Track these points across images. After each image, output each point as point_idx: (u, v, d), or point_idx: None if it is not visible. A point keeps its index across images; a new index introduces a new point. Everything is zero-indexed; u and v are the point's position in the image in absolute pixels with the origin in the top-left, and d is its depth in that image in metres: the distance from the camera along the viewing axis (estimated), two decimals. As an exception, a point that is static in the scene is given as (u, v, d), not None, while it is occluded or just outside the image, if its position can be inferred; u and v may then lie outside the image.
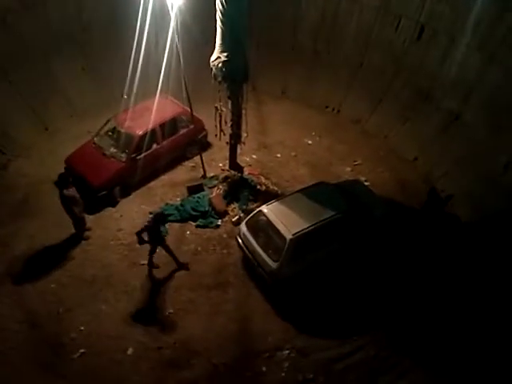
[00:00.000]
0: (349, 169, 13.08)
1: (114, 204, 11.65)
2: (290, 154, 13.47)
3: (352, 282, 10.10)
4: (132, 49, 12.35)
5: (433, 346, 8.84)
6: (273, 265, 9.23)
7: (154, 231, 9.56)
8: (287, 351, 9.00)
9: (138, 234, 9.50)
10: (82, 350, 8.85)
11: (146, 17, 11.05)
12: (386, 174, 12.96)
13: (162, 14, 10.64)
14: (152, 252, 10.01)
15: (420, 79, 13.22)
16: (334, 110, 15.21)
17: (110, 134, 12.19)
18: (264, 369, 8.77)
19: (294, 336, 9.25)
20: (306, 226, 9.21)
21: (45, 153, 13.01)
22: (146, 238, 9.62)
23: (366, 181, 12.48)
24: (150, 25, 11.37)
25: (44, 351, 8.84)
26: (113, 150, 11.80)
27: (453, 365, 8.51)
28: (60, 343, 8.96)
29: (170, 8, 9.75)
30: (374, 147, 13.81)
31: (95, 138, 12.14)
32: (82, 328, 9.19)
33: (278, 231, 9.27)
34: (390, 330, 9.33)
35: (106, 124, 12.25)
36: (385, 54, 13.86)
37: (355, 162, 13.30)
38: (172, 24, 10.01)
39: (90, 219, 11.05)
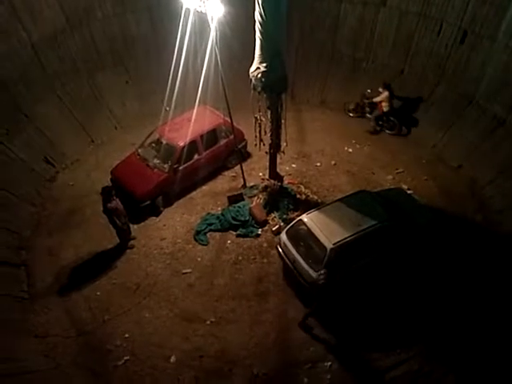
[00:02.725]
0: (390, 177, 12.85)
1: (157, 214, 11.90)
2: (329, 163, 13.38)
3: (394, 292, 9.88)
4: (172, 61, 12.62)
5: (479, 362, 8.52)
6: (313, 274, 9.15)
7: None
8: (329, 363, 8.88)
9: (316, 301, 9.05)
10: (126, 357, 9.04)
11: (185, 30, 11.28)
12: (430, 181, 12.65)
13: (201, 27, 10.83)
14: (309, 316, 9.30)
15: (464, 84, 12.93)
16: (374, 117, 15.06)
17: (153, 145, 12.51)
18: (306, 380, 8.68)
19: (335, 347, 9.13)
20: (346, 236, 9.10)
21: (91, 165, 13.50)
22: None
23: (408, 189, 12.22)
24: (189, 37, 11.59)
25: (90, 357, 9.09)
26: (156, 160, 12.08)
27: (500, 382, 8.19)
28: (105, 350, 9.19)
29: (209, 20, 9.95)
30: (417, 154, 13.53)
31: (139, 150, 12.48)
32: (127, 335, 9.40)
33: (318, 240, 9.20)
34: (434, 343, 9.04)
35: (149, 136, 12.59)
36: (426, 60, 13.64)
37: (397, 169, 13.06)
38: (211, 36, 10.20)
39: (134, 229, 11.34)
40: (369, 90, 14.37)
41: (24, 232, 11.31)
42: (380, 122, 14.29)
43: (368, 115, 14.57)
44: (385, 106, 13.81)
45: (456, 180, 12.60)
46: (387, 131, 14.29)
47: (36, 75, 12.73)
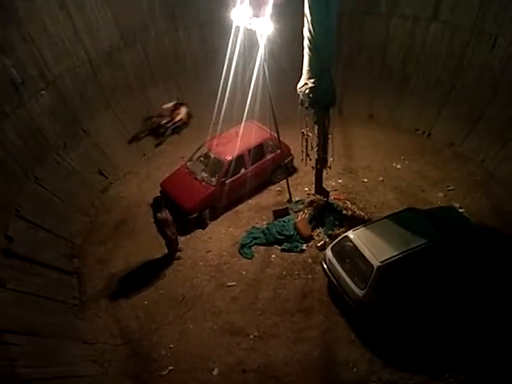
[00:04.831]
0: (441, 194, 12.49)
1: (203, 226, 12.10)
2: (377, 179, 13.19)
3: (444, 313, 9.52)
4: (221, 77, 12.90)
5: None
6: (359, 292, 8.98)
7: None
8: (373, 384, 8.67)
9: None
10: (170, 367, 9.15)
11: (235, 46, 11.55)
12: (483, 200, 12.19)
13: (250, 44, 11.06)
14: None
15: (520, 99, 12.43)
16: (424, 133, 14.73)
17: (202, 159, 12.76)
18: (349, 400, 8.51)
19: (380, 368, 8.87)
20: (394, 254, 8.88)
21: (142, 177, 13.95)
22: None
23: (460, 207, 11.83)
24: (238, 54, 11.85)
25: (136, 365, 9.28)
26: (204, 174, 12.32)
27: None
28: (151, 359, 9.36)
29: (258, 37, 10.13)
30: (469, 171, 13.11)
31: (188, 163, 12.78)
32: (172, 345, 9.54)
33: (364, 258, 9.03)
34: (487, 370, 8.59)
35: (198, 150, 12.88)
36: (480, 75, 13.23)
37: (448, 187, 12.67)
38: (260, 52, 10.37)
39: (181, 240, 11.56)
40: (166, 106, 14.97)
41: (77, 241, 11.78)
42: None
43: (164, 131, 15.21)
44: (185, 119, 15.36)
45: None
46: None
47: (92, 91, 13.40)
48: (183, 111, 15.27)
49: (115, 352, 9.52)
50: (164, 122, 15.06)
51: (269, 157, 12.81)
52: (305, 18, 8.93)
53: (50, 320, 9.48)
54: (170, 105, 15.00)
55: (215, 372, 9.04)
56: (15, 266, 9.59)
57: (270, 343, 9.47)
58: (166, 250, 11.15)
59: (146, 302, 10.42)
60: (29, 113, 11.29)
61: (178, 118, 15.22)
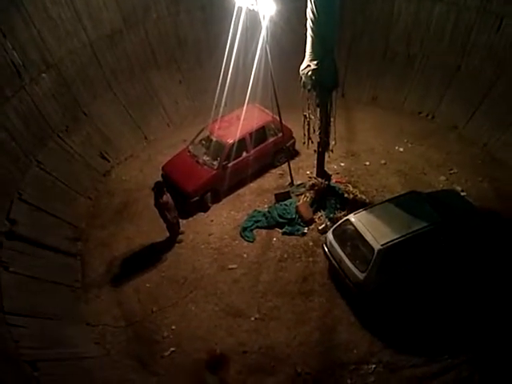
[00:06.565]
0: (443, 178, 12.44)
1: (205, 209, 12.12)
2: (379, 162, 13.13)
3: (444, 296, 9.57)
4: (223, 60, 12.78)
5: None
6: (360, 275, 9.01)
7: None
8: (373, 365, 8.74)
9: None
10: (172, 349, 9.26)
11: (237, 28, 11.40)
12: (485, 183, 12.14)
13: (252, 25, 10.92)
14: None
15: (525, 82, 12.28)
16: (427, 115, 14.61)
17: (204, 142, 12.72)
18: (349, 381, 8.59)
19: (380, 350, 8.96)
20: (395, 237, 8.88)
21: (143, 160, 13.93)
22: None
23: (462, 191, 11.80)
24: (240, 36, 11.71)
25: (138, 347, 9.39)
26: (205, 157, 12.30)
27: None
28: (153, 340, 9.46)
29: (261, 19, 10.00)
30: (472, 155, 13.02)
31: (190, 147, 12.75)
32: (174, 327, 9.63)
33: (365, 241, 9.04)
34: (486, 351, 8.66)
35: (199, 133, 12.83)
36: (485, 57, 13.05)
37: (451, 170, 12.62)
38: (262, 34, 10.25)
39: (183, 223, 11.60)
40: None
41: (80, 224, 11.83)
42: None
43: None
44: None
45: (514, 182, 12.03)
46: None
47: (94, 74, 13.28)
48: None
49: (117, 334, 9.63)
50: None
51: (271, 140, 12.76)
52: (308, -1, 8.81)
53: (52, 302, 9.56)
54: None
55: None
56: (18, 249, 9.64)
57: (271, 325, 9.56)
58: (168, 234, 11.20)
59: (148, 285, 10.50)
60: (30, 96, 11.23)
61: None
